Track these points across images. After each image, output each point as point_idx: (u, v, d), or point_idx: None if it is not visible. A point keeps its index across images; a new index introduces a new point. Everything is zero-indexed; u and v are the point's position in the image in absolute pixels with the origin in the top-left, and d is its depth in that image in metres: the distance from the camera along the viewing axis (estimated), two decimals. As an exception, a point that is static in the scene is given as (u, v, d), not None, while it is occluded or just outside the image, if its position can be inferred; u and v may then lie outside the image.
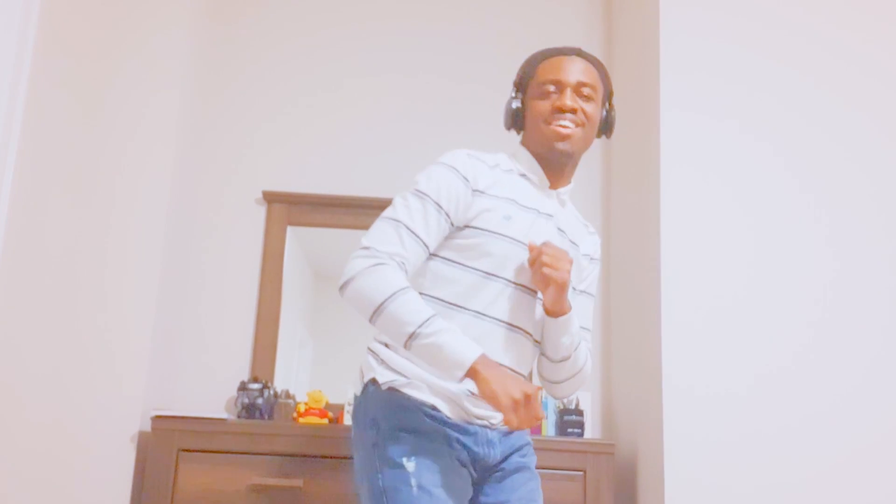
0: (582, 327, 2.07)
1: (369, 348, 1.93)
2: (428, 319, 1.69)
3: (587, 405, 3.02)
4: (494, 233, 1.85)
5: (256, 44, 3.46)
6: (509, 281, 1.87)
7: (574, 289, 2.05)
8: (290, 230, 3.27)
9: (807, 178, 2.83)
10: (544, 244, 1.82)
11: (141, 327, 2.85)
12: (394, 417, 1.79)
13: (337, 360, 3.16)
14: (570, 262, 1.82)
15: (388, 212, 1.85)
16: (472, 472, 1.85)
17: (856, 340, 2.72)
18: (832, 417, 2.66)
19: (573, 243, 2.01)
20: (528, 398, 1.64)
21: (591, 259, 2.10)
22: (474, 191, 1.87)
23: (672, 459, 2.61)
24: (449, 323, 1.73)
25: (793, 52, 2.92)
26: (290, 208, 3.28)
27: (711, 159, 2.83)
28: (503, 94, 3.46)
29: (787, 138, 2.86)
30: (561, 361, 1.96)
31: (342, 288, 1.79)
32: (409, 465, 1.73)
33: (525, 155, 2.00)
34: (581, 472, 2.72)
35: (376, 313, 1.73)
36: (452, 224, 1.87)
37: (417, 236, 1.82)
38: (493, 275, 1.86)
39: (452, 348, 1.66)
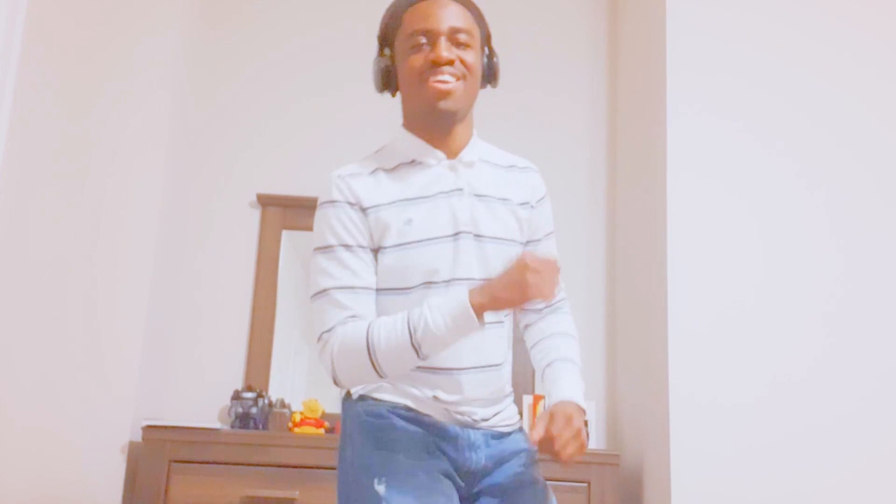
0: None
1: None
2: (408, 323, 1.61)
3: (591, 414, 3.01)
4: (406, 244, 1.73)
5: (250, 45, 3.46)
6: (447, 281, 1.75)
7: (530, 241, 1.92)
8: (285, 234, 3.26)
9: (816, 180, 2.83)
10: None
11: (132, 334, 2.84)
12: (366, 430, 1.73)
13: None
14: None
15: (311, 288, 1.74)
16: (459, 481, 1.76)
17: (869, 346, 2.71)
18: (846, 427, 2.65)
19: (503, 199, 1.84)
20: (530, 268, 1.55)
21: (536, 202, 1.92)
22: (365, 210, 1.75)
23: (679, 471, 2.60)
24: (425, 307, 1.62)
25: (802, 50, 2.91)
26: (285, 212, 3.27)
27: (719, 161, 2.83)
28: (502, 97, 3.45)
29: (796, 139, 2.85)
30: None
31: (337, 384, 1.71)
32: (380, 488, 1.64)
33: (406, 137, 1.83)
34: (585, 484, 2.71)
35: (375, 367, 1.65)
36: (371, 251, 1.75)
37: (351, 287, 1.71)
38: (427, 283, 1.74)
39: (447, 314, 1.59)
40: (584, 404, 1.77)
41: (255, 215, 3.30)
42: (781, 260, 2.77)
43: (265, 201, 3.27)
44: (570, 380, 1.81)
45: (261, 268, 3.22)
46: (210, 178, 3.33)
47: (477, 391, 1.77)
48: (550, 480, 2.69)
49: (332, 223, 1.74)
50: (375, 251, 1.75)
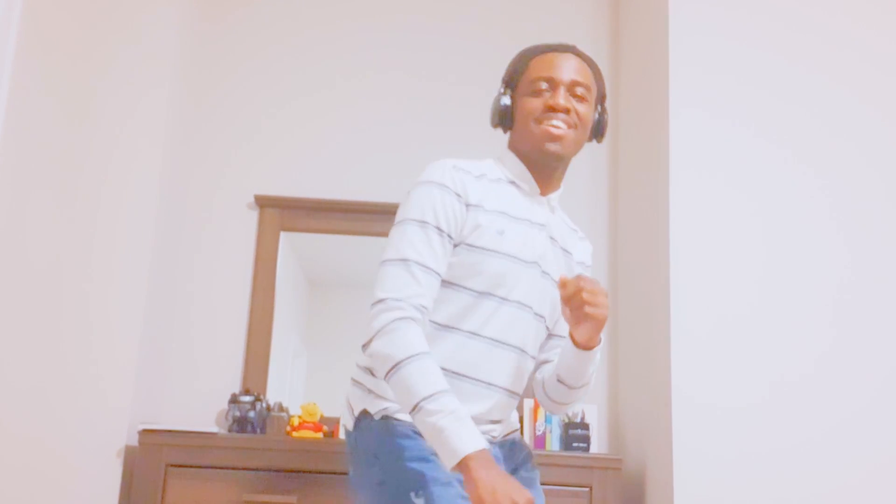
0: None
1: (353, 379, 1.90)
2: (434, 394, 1.64)
3: (593, 418, 3.01)
4: (489, 250, 1.83)
5: (248, 42, 3.45)
6: (503, 299, 1.85)
7: None
8: (283, 236, 3.26)
9: (822, 180, 2.82)
10: (580, 278, 1.77)
11: (128, 337, 2.83)
12: (394, 448, 1.76)
13: (332, 372, 3.14)
14: (607, 296, 1.78)
15: (390, 252, 1.81)
16: None
17: (875, 348, 2.71)
18: (852, 431, 2.65)
19: (565, 251, 2.00)
20: None
21: (585, 266, 2.09)
22: (467, 205, 1.85)
23: (682, 475, 2.60)
24: (457, 404, 1.66)
25: (806, 48, 2.91)
26: (283, 213, 3.27)
27: (723, 162, 2.82)
28: (505, 94, 3.45)
29: (800, 138, 2.85)
30: (581, 387, 1.96)
31: (365, 346, 1.77)
32: (419, 501, 1.68)
33: (512, 160, 1.97)
34: (587, 489, 2.71)
35: (389, 374, 1.70)
36: (454, 244, 1.85)
37: (429, 268, 1.79)
38: (487, 293, 1.84)
39: (451, 434, 1.60)
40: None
41: (252, 216, 3.29)
42: (786, 261, 2.76)
43: (263, 202, 3.26)
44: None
45: (258, 270, 3.21)
46: (207, 179, 3.32)
47: (498, 412, 1.89)
48: (552, 485, 2.69)
49: (436, 203, 1.84)
50: (455, 245, 1.85)
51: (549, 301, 1.94)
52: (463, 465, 1.59)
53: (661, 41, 2.95)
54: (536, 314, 1.91)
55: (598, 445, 3.11)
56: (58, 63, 2.81)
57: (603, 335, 3.24)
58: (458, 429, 1.61)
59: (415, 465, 1.72)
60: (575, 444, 2.89)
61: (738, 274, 2.74)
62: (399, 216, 1.85)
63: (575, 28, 3.52)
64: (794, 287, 2.74)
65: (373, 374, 1.86)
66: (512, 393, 1.90)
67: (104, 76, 2.99)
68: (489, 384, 1.85)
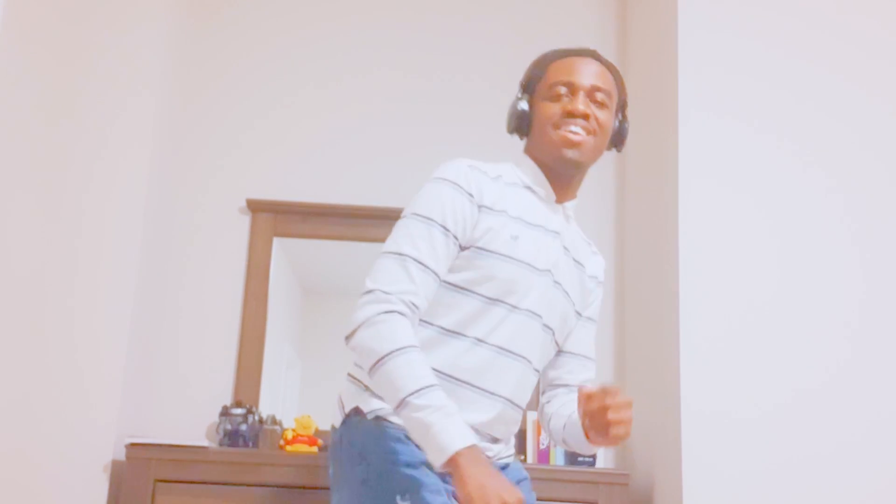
0: (587, 357, 2.07)
1: (350, 374, 1.89)
2: (422, 389, 1.63)
3: (599, 431, 3.00)
4: (500, 255, 1.82)
5: (239, 41, 3.45)
6: (514, 307, 1.84)
7: (580, 315, 2.03)
8: (276, 241, 3.25)
9: (836, 182, 2.82)
10: (605, 392, 1.68)
11: (114, 347, 2.82)
12: (384, 450, 1.75)
13: (327, 383, 3.14)
14: (631, 406, 1.71)
15: (390, 244, 1.80)
16: None
17: (892, 357, 2.71)
18: (868, 444, 2.65)
19: (578, 263, 1.99)
20: None
21: (597, 282, 2.08)
22: (480, 207, 1.84)
23: (691, 491, 2.59)
24: (447, 399, 1.65)
25: (819, 47, 2.91)
26: (276, 218, 3.26)
27: (734, 166, 2.82)
28: (508, 96, 3.44)
29: (814, 140, 2.85)
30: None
31: (348, 337, 1.75)
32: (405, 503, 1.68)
33: (529, 165, 1.97)
34: (593, 505, 2.70)
35: (374, 368, 1.69)
36: (461, 247, 1.83)
37: (427, 267, 1.78)
38: (496, 300, 1.82)
39: (439, 430, 1.60)
40: None
41: (244, 222, 3.29)
42: (799, 268, 2.76)
43: (255, 207, 3.26)
44: None
45: (251, 277, 3.21)
46: (197, 183, 3.31)
47: (499, 426, 1.87)
48: (557, 501, 2.68)
49: (445, 201, 1.82)
50: (465, 248, 1.83)
51: (560, 313, 1.93)
52: (452, 463, 1.58)
53: (670, 40, 2.96)
54: (545, 325, 1.90)
55: (604, 460, 3.10)
56: (41, 63, 2.80)
57: (609, 346, 3.24)
58: (447, 425, 1.60)
59: (406, 470, 1.72)
60: (580, 459, 2.89)
61: (750, 283, 2.74)
62: (406, 210, 1.85)
63: (581, 27, 3.52)
64: (806, 296, 2.74)
65: None
66: (514, 406, 1.89)
67: (90, 76, 2.99)
68: (492, 393, 1.84)
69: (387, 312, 1.71)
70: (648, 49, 3.20)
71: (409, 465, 1.73)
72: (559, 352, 2.04)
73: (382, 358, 1.67)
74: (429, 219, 1.81)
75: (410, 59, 3.46)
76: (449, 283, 1.83)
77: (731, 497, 2.59)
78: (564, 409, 1.98)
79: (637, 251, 3.16)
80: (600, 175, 3.40)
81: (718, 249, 2.76)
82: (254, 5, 3.48)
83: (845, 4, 2.94)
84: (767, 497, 2.60)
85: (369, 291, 1.74)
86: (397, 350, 1.67)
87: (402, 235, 1.80)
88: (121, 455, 2.83)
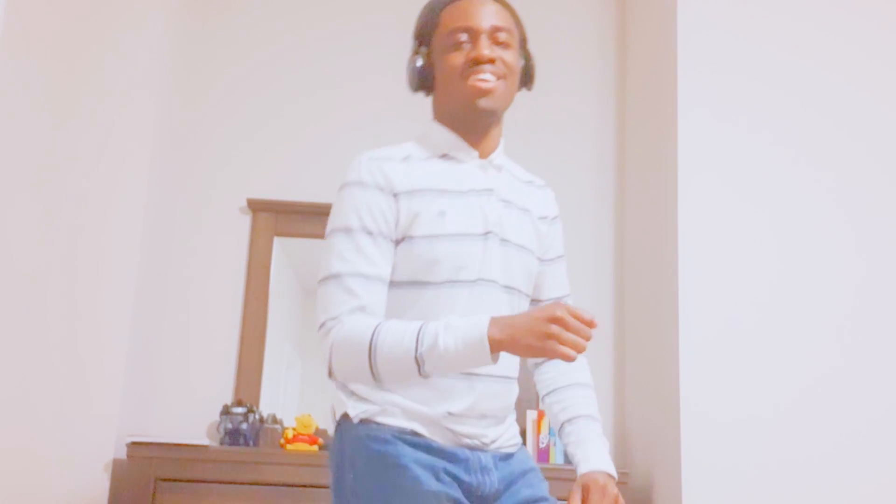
0: (562, 297, 2.01)
1: (335, 382, 1.84)
2: (417, 338, 1.60)
3: (598, 430, 3.01)
4: (433, 235, 1.73)
5: (240, 42, 3.46)
6: (469, 282, 1.75)
7: (542, 260, 1.95)
8: (276, 241, 3.26)
9: (835, 182, 2.83)
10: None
11: (115, 346, 2.83)
12: (371, 455, 1.72)
13: (327, 382, 3.14)
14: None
15: (322, 270, 1.74)
16: None
17: (890, 359, 2.71)
18: (867, 444, 2.65)
19: (524, 209, 1.89)
20: (559, 320, 1.51)
21: (551, 220, 1.98)
22: (395, 195, 1.75)
23: (690, 490, 2.60)
24: (437, 325, 1.60)
25: (818, 47, 2.92)
26: (276, 217, 3.27)
27: (733, 165, 2.83)
28: (507, 95, 3.45)
29: (813, 140, 2.85)
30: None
31: (330, 376, 1.72)
32: None
33: (439, 130, 1.87)
34: (592, 504, 2.70)
35: (373, 368, 1.65)
36: (394, 241, 1.75)
37: (365, 275, 1.71)
38: (450, 281, 1.74)
39: (462, 345, 1.56)
40: (614, 472, 1.81)
41: (245, 221, 3.30)
42: (798, 271, 2.77)
43: (256, 206, 3.27)
44: (597, 444, 1.86)
45: (251, 276, 3.22)
46: (198, 183, 3.32)
47: (489, 402, 1.77)
48: (557, 500, 2.68)
49: (358, 205, 1.74)
50: (399, 241, 1.74)
51: (518, 269, 1.84)
52: (496, 346, 1.55)
53: (670, 40, 2.96)
54: (506, 286, 1.81)
55: (603, 459, 3.10)
56: (42, 63, 2.81)
57: (608, 346, 3.25)
58: (458, 335, 1.57)
59: (389, 480, 1.68)
60: (580, 458, 2.89)
61: (749, 283, 2.75)
62: (326, 230, 1.78)
63: (581, 27, 3.53)
64: (806, 297, 2.75)
65: None
66: (501, 378, 1.79)
67: (91, 77, 2.99)
68: (474, 375, 1.75)
69: (341, 329, 1.67)
70: (648, 49, 3.21)
71: (393, 475, 1.68)
72: (536, 300, 1.97)
73: (368, 355, 1.63)
74: (348, 229, 1.73)
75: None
76: (399, 282, 1.76)
77: (730, 497, 2.60)
78: (560, 406, 1.94)
79: (637, 251, 3.17)
80: (600, 175, 3.41)
81: (718, 249, 2.77)
82: (254, 7, 3.49)
83: (845, 4, 2.95)
84: (766, 497, 2.61)
85: (321, 325, 1.70)
86: (372, 336, 1.63)
87: (330, 257, 1.73)
88: (122, 454, 2.83)
